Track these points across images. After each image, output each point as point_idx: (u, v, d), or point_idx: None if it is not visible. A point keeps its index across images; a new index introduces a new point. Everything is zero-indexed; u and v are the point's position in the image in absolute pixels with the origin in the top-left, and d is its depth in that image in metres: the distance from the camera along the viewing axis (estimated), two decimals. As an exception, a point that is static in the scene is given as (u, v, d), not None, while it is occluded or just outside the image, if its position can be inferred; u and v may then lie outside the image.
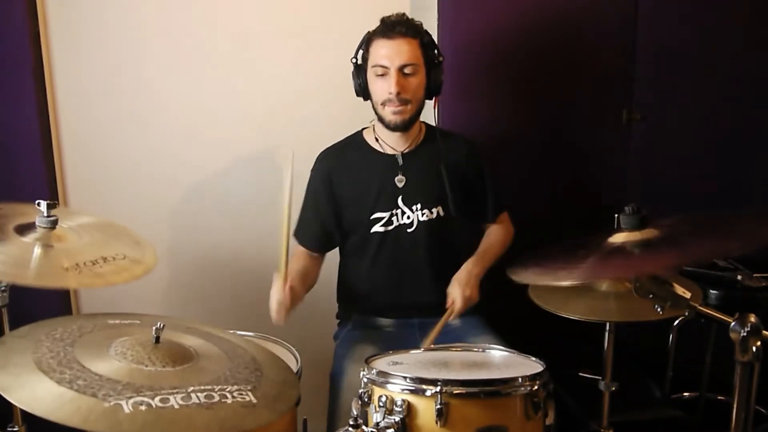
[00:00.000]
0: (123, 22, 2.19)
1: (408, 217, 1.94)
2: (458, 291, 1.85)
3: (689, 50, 2.40)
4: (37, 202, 1.49)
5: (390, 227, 1.94)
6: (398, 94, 1.83)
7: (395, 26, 1.84)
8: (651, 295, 1.28)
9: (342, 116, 2.27)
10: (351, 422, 1.34)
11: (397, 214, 1.94)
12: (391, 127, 1.90)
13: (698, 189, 2.46)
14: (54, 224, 1.48)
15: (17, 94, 2.12)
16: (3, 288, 1.50)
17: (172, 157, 2.29)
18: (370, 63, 1.88)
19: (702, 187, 2.46)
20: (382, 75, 1.85)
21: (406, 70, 1.84)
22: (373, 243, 1.95)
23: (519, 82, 2.38)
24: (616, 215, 1.40)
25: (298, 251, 2.00)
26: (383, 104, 1.87)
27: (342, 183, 1.96)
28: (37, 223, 1.47)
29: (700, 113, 2.45)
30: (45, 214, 1.47)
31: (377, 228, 1.94)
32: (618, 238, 1.37)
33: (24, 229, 1.46)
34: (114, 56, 2.21)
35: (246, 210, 2.36)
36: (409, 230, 1.95)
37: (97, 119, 2.23)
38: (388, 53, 1.83)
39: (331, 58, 2.29)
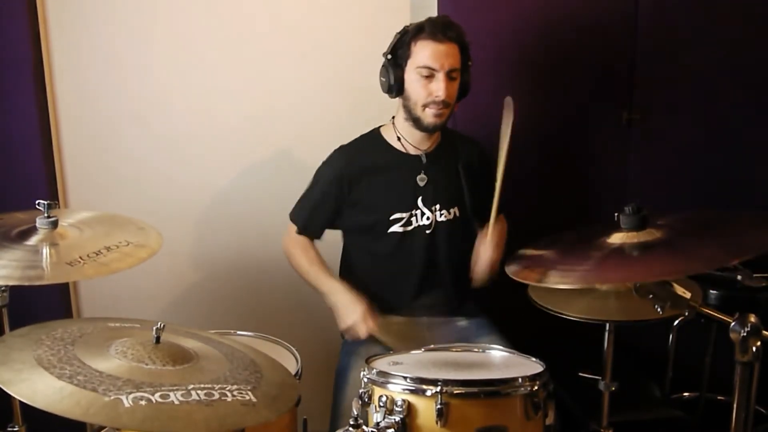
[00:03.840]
0: (123, 21, 2.19)
1: (427, 218, 1.94)
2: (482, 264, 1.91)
3: (689, 50, 2.40)
4: (37, 202, 1.49)
5: (409, 228, 1.94)
6: (445, 98, 1.83)
7: (446, 30, 1.83)
8: (651, 295, 1.28)
9: (344, 115, 2.29)
10: (351, 422, 1.34)
11: (416, 215, 1.94)
12: (429, 129, 1.90)
13: (698, 189, 2.45)
14: (55, 224, 1.49)
15: (17, 94, 2.13)
16: (3, 288, 1.51)
17: (173, 157, 2.29)
18: (413, 62, 1.85)
19: (702, 187, 2.46)
20: (428, 77, 1.83)
21: (452, 75, 1.85)
22: (390, 243, 1.94)
23: (518, 82, 2.38)
24: (616, 215, 1.40)
25: (303, 241, 2.00)
26: (425, 106, 1.86)
27: (360, 183, 1.93)
28: (37, 225, 1.49)
29: (700, 113, 2.44)
30: (45, 215, 1.48)
31: (395, 228, 1.93)
32: (617, 238, 1.37)
33: (25, 234, 1.48)
34: (114, 56, 2.21)
35: (247, 210, 2.36)
36: (427, 231, 1.94)
37: (98, 119, 2.23)
38: (438, 56, 1.82)
39: (334, 58, 2.30)
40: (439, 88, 1.82)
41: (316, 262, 1.97)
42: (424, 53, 1.83)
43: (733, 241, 1.28)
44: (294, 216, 2.01)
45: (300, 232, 2.00)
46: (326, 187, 1.95)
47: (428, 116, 1.87)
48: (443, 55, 1.83)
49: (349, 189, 1.93)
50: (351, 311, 1.86)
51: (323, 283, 1.94)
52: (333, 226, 2.01)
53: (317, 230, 2.01)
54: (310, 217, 1.99)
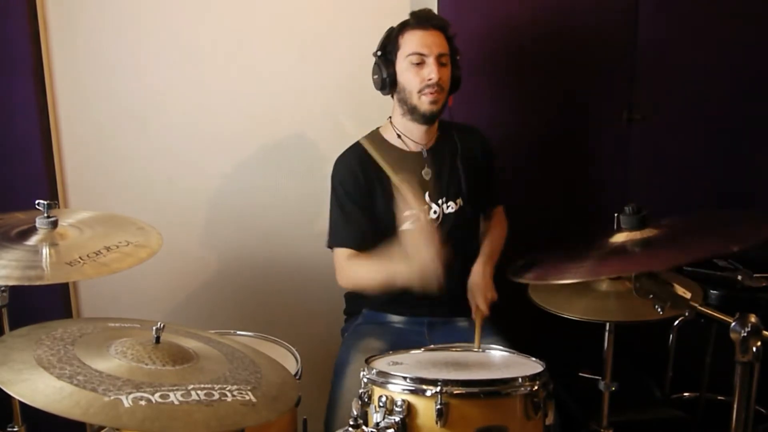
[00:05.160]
0: (123, 22, 2.19)
1: (434, 212, 1.95)
2: (480, 296, 1.86)
3: (689, 50, 2.40)
4: (37, 202, 1.49)
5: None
6: (438, 80, 1.85)
7: (430, 19, 1.89)
8: (651, 296, 1.28)
9: (345, 115, 2.28)
10: (351, 422, 1.34)
11: (424, 210, 1.94)
12: (427, 117, 1.90)
13: (698, 189, 2.45)
14: (54, 224, 1.49)
15: (17, 95, 2.12)
16: (3, 288, 1.51)
17: (173, 157, 2.29)
18: (403, 53, 1.88)
19: (702, 187, 2.46)
20: (418, 63, 1.86)
21: (442, 60, 1.87)
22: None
23: (519, 81, 2.39)
24: (616, 215, 1.40)
25: (358, 257, 1.88)
26: (420, 92, 1.87)
27: (371, 183, 1.93)
28: (37, 225, 1.49)
29: (700, 113, 2.44)
30: (45, 215, 1.48)
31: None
32: (618, 238, 1.37)
33: (25, 234, 1.48)
34: (114, 56, 2.21)
35: (247, 209, 2.36)
36: (435, 225, 1.94)
37: (97, 119, 2.23)
38: (426, 42, 1.86)
39: (334, 58, 2.29)
40: (431, 71, 1.85)
41: (381, 265, 1.79)
42: (412, 42, 1.87)
43: (731, 232, 1.29)
44: (340, 241, 1.91)
45: (356, 250, 1.89)
46: (353, 191, 1.92)
47: (424, 103, 1.88)
48: (430, 41, 1.87)
49: (367, 186, 1.92)
50: (409, 274, 1.68)
51: (395, 275, 1.73)
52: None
53: (369, 242, 1.89)
54: (358, 231, 1.91)
